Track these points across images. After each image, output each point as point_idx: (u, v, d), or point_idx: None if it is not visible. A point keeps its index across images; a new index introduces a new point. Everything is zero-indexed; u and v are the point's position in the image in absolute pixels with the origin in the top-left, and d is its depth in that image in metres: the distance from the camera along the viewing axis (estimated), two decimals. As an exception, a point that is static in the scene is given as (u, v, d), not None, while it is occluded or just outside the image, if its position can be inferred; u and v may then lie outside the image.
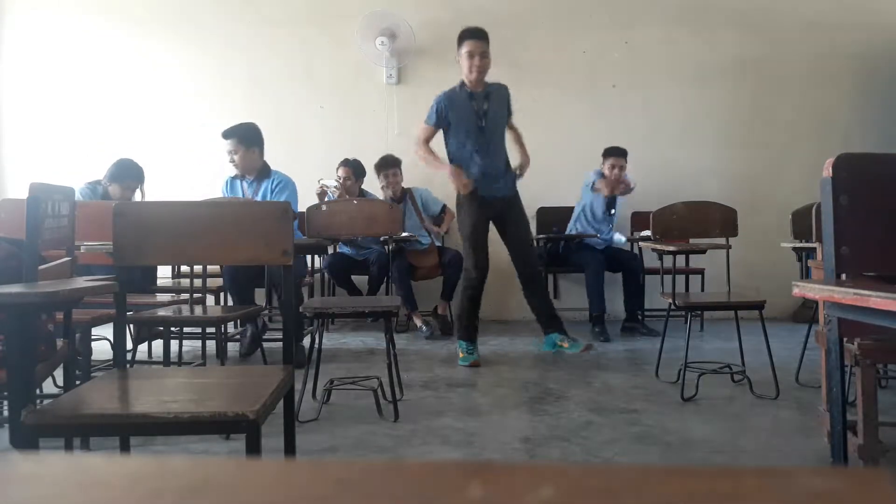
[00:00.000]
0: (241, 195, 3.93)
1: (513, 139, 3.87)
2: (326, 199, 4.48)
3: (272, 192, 3.91)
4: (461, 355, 3.70)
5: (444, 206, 5.19)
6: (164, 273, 4.20)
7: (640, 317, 4.78)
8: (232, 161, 3.87)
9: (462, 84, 3.73)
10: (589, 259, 4.72)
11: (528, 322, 5.07)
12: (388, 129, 5.59)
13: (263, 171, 3.96)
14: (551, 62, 5.64)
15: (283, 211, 1.70)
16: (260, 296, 4.16)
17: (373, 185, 5.15)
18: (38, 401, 2.35)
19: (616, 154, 4.88)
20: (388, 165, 4.97)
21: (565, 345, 3.84)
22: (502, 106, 3.79)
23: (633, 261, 4.83)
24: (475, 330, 3.78)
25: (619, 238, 5.05)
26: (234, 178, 4.01)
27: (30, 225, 2.05)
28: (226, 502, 0.35)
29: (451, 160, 3.72)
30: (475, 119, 3.68)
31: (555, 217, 5.34)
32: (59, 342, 2.03)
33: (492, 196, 3.70)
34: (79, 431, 1.75)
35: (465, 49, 3.64)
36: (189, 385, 1.52)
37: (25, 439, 1.24)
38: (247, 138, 3.85)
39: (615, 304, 5.30)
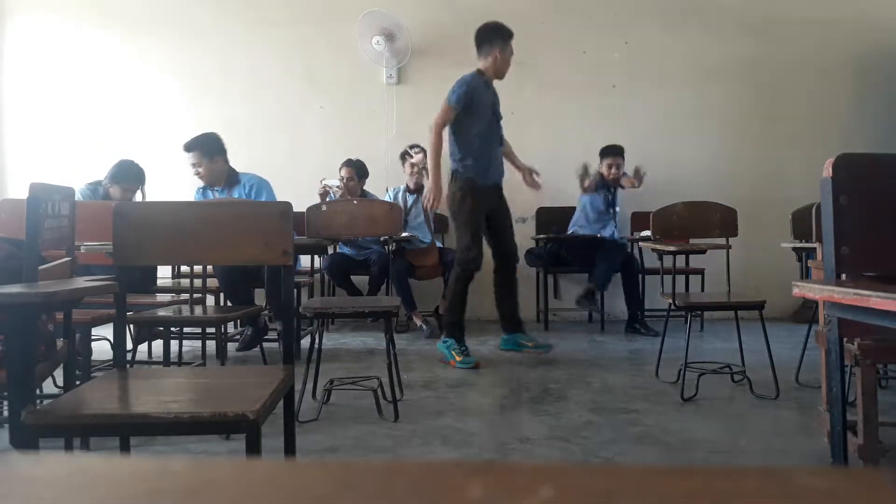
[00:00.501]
0: None
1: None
2: (329, 199, 4.49)
3: (248, 197, 3.91)
4: (458, 358, 3.63)
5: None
6: (164, 273, 4.20)
7: (640, 316, 4.78)
8: (197, 174, 3.85)
9: (480, 73, 3.75)
10: (609, 247, 4.76)
11: (527, 322, 5.08)
12: (388, 129, 5.59)
13: (232, 178, 3.94)
14: (551, 62, 5.64)
15: (283, 211, 1.70)
16: (260, 296, 4.16)
17: (375, 185, 5.16)
18: (38, 401, 2.35)
19: (613, 153, 4.91)
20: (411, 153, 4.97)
21: (531, 344, 3.88)
22: (498, 102, 3.87)
23: (631, 260, 4.84)
24: (462, 328, 3.75)
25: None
26: (204, 188, 4.03)
27: (30, 225, 2.05)
28: (226, 502, 0.35)
29: (465, 148, 3.67)
30: (489, 108, 3.73)
31: (554, 217, 5.35)
32: (59, 342, 2.03)
33: (493, 183, 3.75)
34: (79, 431, 1.75)
35: (510, 49, 3.80)
36: (189, 385, 1.52)
37: (25, 439, 1.24)
38: (208, 149, 3.81)
39: (616, 304, 5.30)
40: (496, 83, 3.88)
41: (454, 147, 3.71)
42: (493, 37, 3.74)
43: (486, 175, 3.70)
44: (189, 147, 3.80)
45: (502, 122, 3.88)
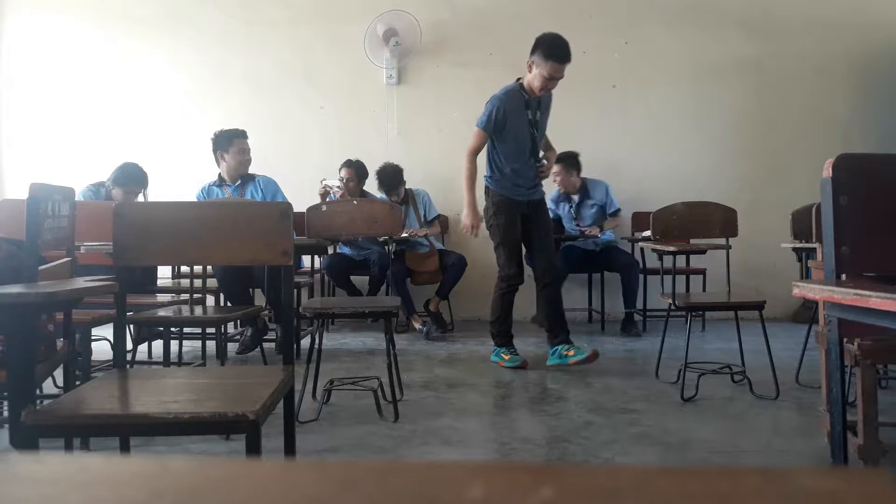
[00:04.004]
0: None
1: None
2: (329, 200, 4.49)
3: (263, 196, 3.98)
4: (506, 357, 3.63)
5: (438, 216, 5.19)
6: (164, 273, 4.20)
7: (633, 316, 4.77)
8: (247, 159, 4.08)
9: (521, 86, 3.55)
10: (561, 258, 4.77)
11: (528, 322, 5.08)
12: (388, 129, 5.59)
13: (247, 175, 4.08)
14: (551, 62, 5.63)
15: (283, 211, 1.70)
16: (260, 296, 4.16)
17: (374, 186, 5.15)
18: (38, 401, 2.35)
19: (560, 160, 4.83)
20: (393, 187, 4.95)
21: (571, 353, 3.54)
22: (547, 113, 3.70)
23: (628, 258, 4.83)
24: (510, 335, 3.70)
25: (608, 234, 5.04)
26: (212, 185, 4.09)
27: (30, 225, 2.05)
28: (226, 502, 0.35)
29: (495, 165, 3.59)
30: (527, 126, 3.55)
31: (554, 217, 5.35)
32: (59, 342, 2.03)
33: (526, 199, 3.62)
34: (79, 431, 1.75)
35: (548, 69, 3.41)
36: (189, 385, 1.52)
37: (25, 439, 1.24)
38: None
39: (617, 304, 5.30)
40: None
41: (487, 163, 3.62)
42: (534, 48, 3.47)
43: (518, 191, 3.59)
44: (245, 134, 4.11)
45: (546, 132, 3.74)
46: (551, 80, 3.46)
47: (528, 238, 3.67)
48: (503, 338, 3.69)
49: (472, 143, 3.55)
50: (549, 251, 3.68)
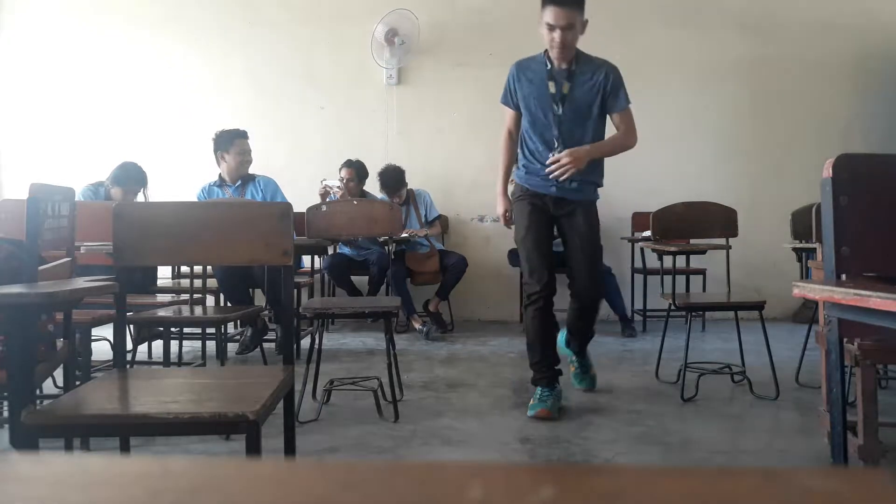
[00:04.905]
0: None
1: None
2: (329, 200, 4.49)
3: (263, 196, 3.99)
4: (531, 401, 2.81)
5: (439, 216, 5.19)
6: (164, 273, 4.20)
7: (629, 317, 4.77)
8: (247, 159, 4.08)
9: (545, 53, 2.85)
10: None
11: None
12: (388, 129, 5.59)
13: (248, 175, 4.10)
14: (551, 62, 5.64)
15: (283, 211, 1.70)
16: (260, 296, 4.17)
17: (375, 186, 5.16)
18: (38, 401, 2.35)
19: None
20: (395, 188, 4.95)
21: (572, 368, 3.15)
22: (592, 91, 2.82)
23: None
24: (547, 373, 2.80)
25: None
26: (212, 185, 4.10)
27: (30, 225, 2.05)
28: (226, 502, 0.35)
29: (520, 146, 2.95)
30: (549, 101, 2.82)
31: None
32: (59, 342, 2.03)
33: (548, 193, 2.86)
34: (79, 431, 1.75)
35: (545, 16, 2.71)
36: (189, 385, 1.52)
37: (25, 439, 1.24)
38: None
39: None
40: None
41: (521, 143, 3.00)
42: None
43: (530, 179, 2.88)
44: (245, 134, 4.11)
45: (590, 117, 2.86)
46: (553, 31, 2.71)
47: (563, 247, 2.99)
48: (537, 373, 2.82)
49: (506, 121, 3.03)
50: (585, 267, 2.86)
